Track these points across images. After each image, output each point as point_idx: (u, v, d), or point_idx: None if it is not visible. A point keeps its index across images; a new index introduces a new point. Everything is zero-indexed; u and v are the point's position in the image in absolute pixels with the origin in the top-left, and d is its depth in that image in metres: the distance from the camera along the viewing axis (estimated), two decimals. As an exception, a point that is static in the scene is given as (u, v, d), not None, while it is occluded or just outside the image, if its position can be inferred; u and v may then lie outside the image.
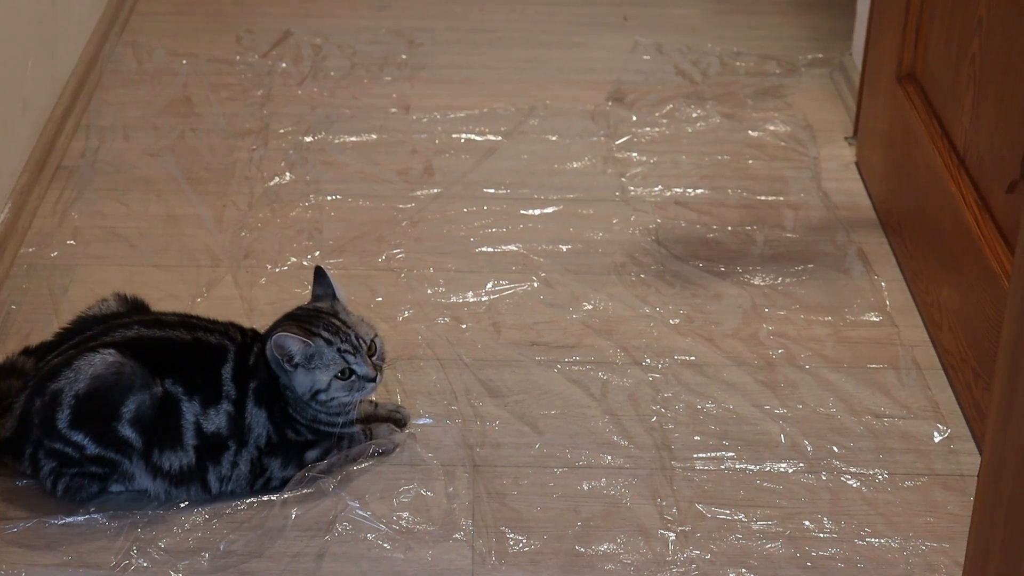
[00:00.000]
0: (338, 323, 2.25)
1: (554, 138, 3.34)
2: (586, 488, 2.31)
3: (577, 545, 2.20)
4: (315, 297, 2.33)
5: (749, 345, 2.65)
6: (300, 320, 2.26)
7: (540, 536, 2.21)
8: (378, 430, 2.37)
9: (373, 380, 2.24)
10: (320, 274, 2.33)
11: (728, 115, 3.45)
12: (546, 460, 2.37)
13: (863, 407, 2.50)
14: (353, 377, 2.22)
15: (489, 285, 2.80)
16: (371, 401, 2.40)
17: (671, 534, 2.22)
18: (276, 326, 2.26)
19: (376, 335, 2.28)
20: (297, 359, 2.21)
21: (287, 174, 3.16)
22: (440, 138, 3.32)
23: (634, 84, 3.59)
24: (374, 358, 2.25)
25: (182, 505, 2.24)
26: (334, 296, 2.31)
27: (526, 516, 2.25)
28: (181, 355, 2.22)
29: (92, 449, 2.18)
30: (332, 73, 3.60)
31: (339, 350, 2.22)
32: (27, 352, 2.40)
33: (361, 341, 2.24)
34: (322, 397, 2.23)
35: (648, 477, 2.33)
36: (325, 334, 2.22)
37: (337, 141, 3.30)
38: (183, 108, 3.42)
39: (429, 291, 2.78)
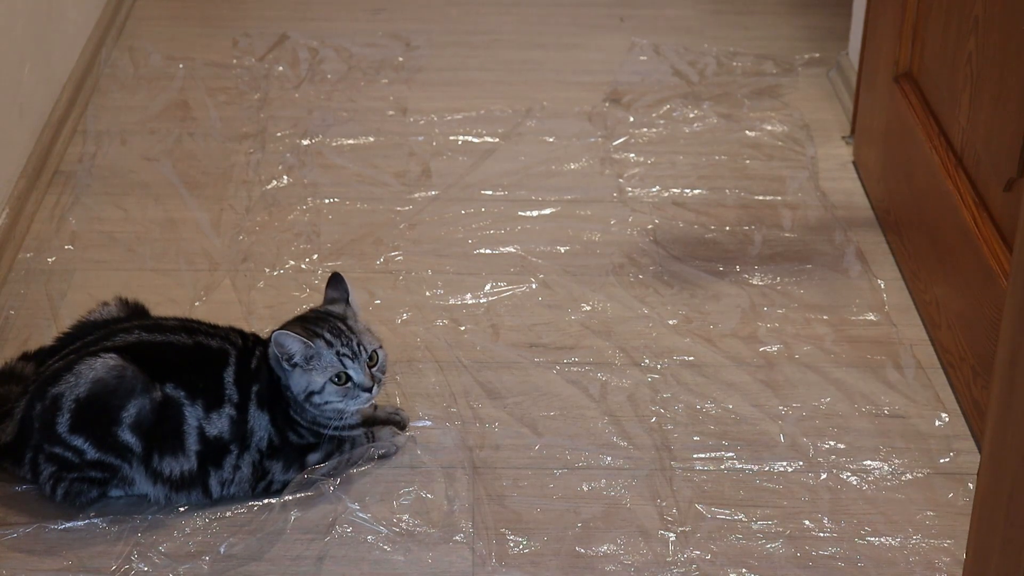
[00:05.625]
0: (343, 327, 2.25)
1: (551, 139, 3.34)
2: (586, 489, 2.31)
3: (577, 546, 2.20)
4: (329, 300, 2.33)
5: (748, 345, 2.65)
6: (307, 321, 2.26)
7: (540, 538, 2.21)
8: (380, 433, 2.37)
9: (369, 390, 2.23)
10: (338, 279, 2.33)
11: (725, 115, 3.45)
12: (546, 461, 2.37)
13: (862, 406, 2.50)
14: (349, 384, 2.22)
15: (487, 287, 2.80)
16: (372, 406, 2.40)
17: (671, 535, 2.22)
18: (282, 326, 2.26)
19: (380, 347, 2.28)
20: (296, 359, 2.21)
21: (284, 177, 3.16)
22: (437, 140, 3.32)
23: (631, 85, 3.59)
24: (374, 369, 2.24)
25: (182, 509, 2.24)
26: (347, 301, 2.31)
27: (526, 518, 2.25)
28: (183, 359, 2.22)
29: (92, 454, 2.18)
30: (329, 76, 3.60)
31: (338, 353, 2.22)
32: (26, 357, 2.40)
33: (362, 348, 2.23)
34: (316, 399, 2.22)
35: (648, 478, 2.33)
36: (327, 336, 2.22)
37: (334, 144, 3.30)
38: (180, 112, 3.42)
39: (427, 293, 2.78)
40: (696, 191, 3.14)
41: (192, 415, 2.20)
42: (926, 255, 2.73)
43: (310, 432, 2.27)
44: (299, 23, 3.88)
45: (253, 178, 3.15)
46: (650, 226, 3.01)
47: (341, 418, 2.27)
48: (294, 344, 2.20)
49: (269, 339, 2.27)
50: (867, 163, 3.15)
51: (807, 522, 2.25)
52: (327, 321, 2.25)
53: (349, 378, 2.22)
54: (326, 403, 2.23)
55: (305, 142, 3.30)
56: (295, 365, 2.21)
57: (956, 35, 2.62)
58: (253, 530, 2.21)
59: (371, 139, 3.32)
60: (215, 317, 2.38)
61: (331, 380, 2.21)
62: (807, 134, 3.37)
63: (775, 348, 2.64)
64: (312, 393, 2.22)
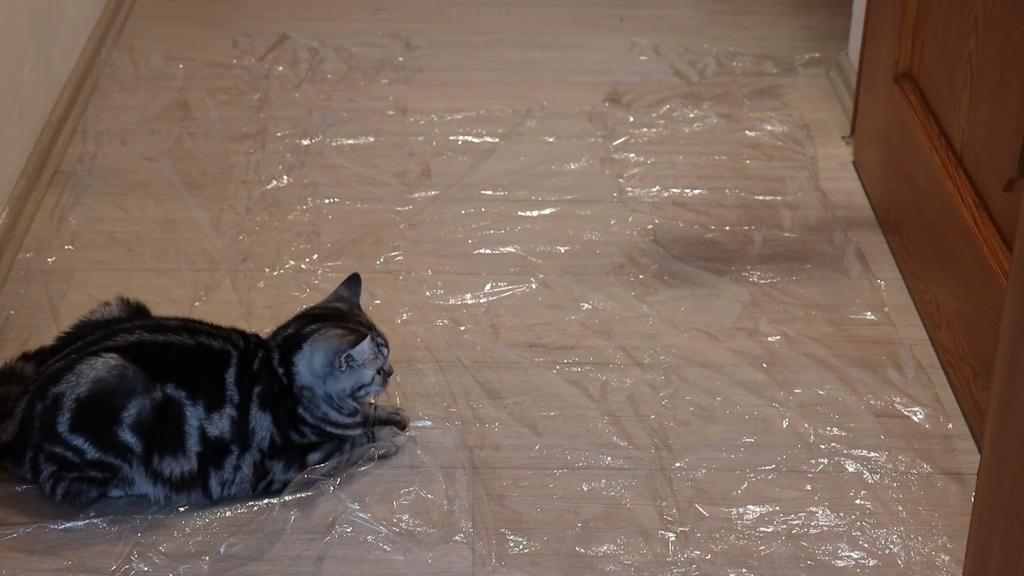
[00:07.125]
0: (365, 319, 2.30)
1: (551, 139, 3.34)
2: (586, 489, 2.31)
3: (577, 546, 2.20)
4: (337, 297, 2.34)
5: (748, 345, 2.65)
6: (346, 320, 2.27)
7: (540, 538, 2.22)
8: (380, 433, 2.37)
9: (390, 374, 2.30)
10: (356, 281, 2.35)
11: (725, 115, 3.45)
12: (546, 461, 2.37)
13: (862, 406, 2.50)
14: (383, 373, 2.28)
15: (487, 287, 2.80)
16: (370, 403, 2.41)
17: (671, 535, 2.22)
18: (311, 330, 2.26)
19: None
20: (365, 360, 2.23)
21: (284, 177, 3.16)
22: (437, 140, 3.32)
23: (631, 85, 3.59)
24: None
25: (182, 509, 2.24)
26: (358, 304, 2.34)
27: (526, 518, 2.25)
28: (184, 360, 2.22)
29: (92, 453, 2.18)
30: (329, 76, 3.60)
31: (377, 344, 2.26)
32: (26, 357, 2.40)
33: (381, 336, 2.29)
34: (361, 392, 2.26)
35: (648, 477, 2.33)
36: (367, 332, 2.26)
37: (334, 144, 3.30)
38: (180, 112, 3.42)
39: (427, 293, 2.78)
40: (696, 191, 3.14)
41: (193, 415, 2.20)
42: (926, 255, 2.73)
43: (314, 431, 2.27)
44: (299, 23, 3.88)
45: (253, 178, 3.15)
46: (650, 226, 3.01)
47: (356, 412, 2.29)
48: (370, 350, 2.22)
49: (271, 340, 2.27)
50: (867, 163, 3.16)
51: (807, 521, 2.25)
52: (352, 317, 2.29)
53: (383, 369, 2.28)
54: (367, 393, 2.27)
55: (305, 142, 3.30)
56: (347, 366, 2.23)
57: (956, 35, 2.62)
58: (253, 530, 2.21)
59: (371, 139, 3.32)
60: (215, 317, 2.39)
61: (376, 372, 2.26)
62: (807, 134, 3.37)
63: (775, 348, 2.64)
64: (361, 387, 2.25)
